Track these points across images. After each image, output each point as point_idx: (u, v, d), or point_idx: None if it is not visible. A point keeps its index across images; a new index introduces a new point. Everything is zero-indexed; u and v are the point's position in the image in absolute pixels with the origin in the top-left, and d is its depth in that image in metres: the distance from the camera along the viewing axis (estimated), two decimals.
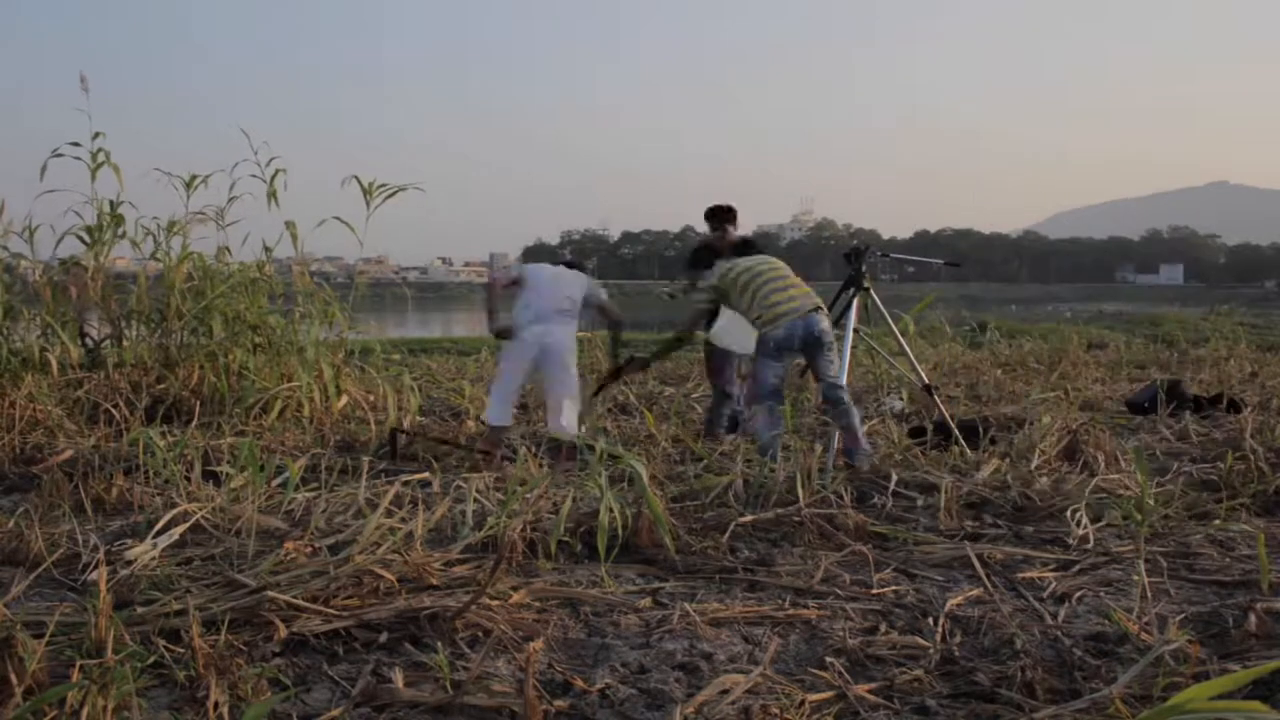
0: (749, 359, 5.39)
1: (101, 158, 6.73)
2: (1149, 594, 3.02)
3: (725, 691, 2.39)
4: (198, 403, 6.12)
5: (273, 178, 6.86)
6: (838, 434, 5.11)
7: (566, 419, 5.28)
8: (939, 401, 5.78)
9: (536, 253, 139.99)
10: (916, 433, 5.77)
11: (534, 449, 5.26)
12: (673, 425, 6.22)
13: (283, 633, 2.66)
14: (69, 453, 4.96)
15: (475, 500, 3.88)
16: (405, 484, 4.29)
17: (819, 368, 5.11)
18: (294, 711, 2.33)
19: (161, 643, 2.54)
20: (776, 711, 2.29)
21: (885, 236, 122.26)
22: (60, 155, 6.69)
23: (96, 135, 6.70)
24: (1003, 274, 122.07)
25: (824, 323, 5.07)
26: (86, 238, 6.79)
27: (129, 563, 3.22)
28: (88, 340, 6.74)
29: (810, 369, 5.26)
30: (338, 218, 6.75)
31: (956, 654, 2.68)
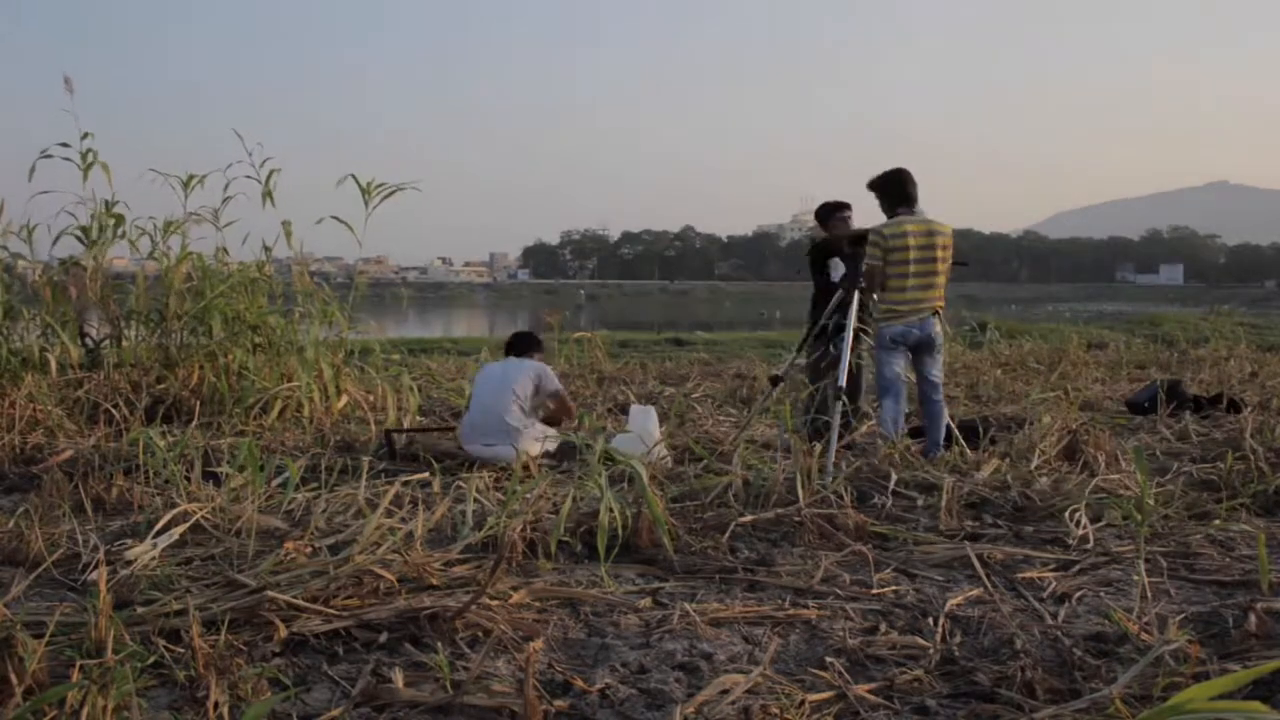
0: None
1: (91, 158, 6.74)
2: (1149, 594, 3.02)
3: (725, 691, 2.39)
4: (198, 403, 6.13)
5: (268, 178, 6.87)
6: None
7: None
8: None
9: (536, 253, 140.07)
10: (916, 433, 5.77)
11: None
12: (670, 424, 6.22)
13: (283, 633, 2.66)
14: (69, 453, 4.97)
15: (475, 500, 3.88)
16: (405, 484, 4.29)
17: (921, 366, 5.42)
18: (294, 711, 2.33)
19: (161, 643, 2.54)
20: (776, 711, 2.29)
21: None
22: (49, 156, 6.70)
23: (85, 135, 6.73)
24: (1003, 274, 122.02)
25: (938, 325, 5.35)
26: (84, 238, 6.80)
27: (129, 563, 3.22)
28: (87, 340, 6.75)
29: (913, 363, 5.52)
30: (336, 217, 6.77)
31: (956, 654, 2.68)
